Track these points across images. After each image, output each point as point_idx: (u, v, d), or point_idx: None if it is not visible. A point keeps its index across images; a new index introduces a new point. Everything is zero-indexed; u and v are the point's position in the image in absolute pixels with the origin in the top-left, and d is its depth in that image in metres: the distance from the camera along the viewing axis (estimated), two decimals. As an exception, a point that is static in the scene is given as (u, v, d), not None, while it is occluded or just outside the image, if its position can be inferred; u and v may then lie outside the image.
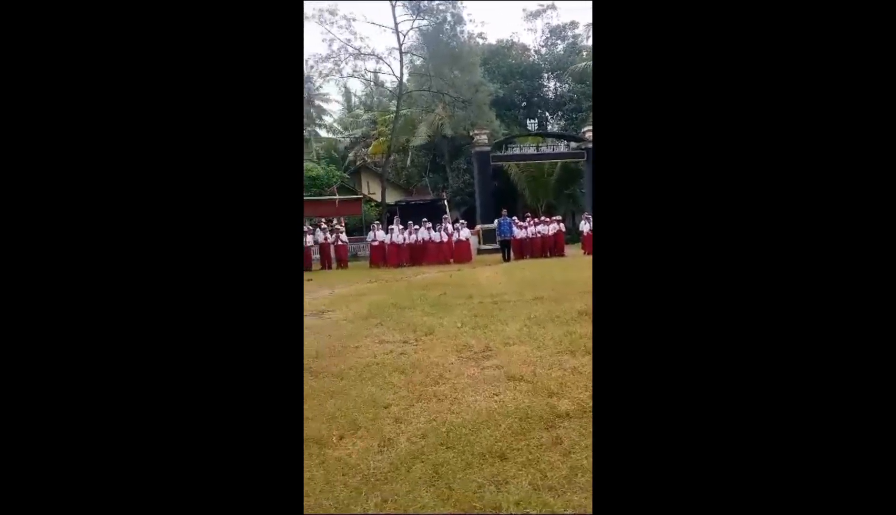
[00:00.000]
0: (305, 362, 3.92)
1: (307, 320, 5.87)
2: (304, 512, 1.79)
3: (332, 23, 20.61)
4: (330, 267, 15.01)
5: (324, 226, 15.78)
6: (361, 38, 24.10)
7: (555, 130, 27.06)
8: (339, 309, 6.58)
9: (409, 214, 18.79)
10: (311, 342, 4.63)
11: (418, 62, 22.78)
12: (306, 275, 12.98)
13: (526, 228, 15.81)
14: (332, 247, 15.31)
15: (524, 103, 28.14)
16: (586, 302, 5.45)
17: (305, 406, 2.96)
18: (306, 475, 2.15)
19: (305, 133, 31.71)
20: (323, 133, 33.37)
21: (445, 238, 15.27)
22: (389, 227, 16.00)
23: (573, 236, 19.65)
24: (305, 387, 3.32)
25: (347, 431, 2.59)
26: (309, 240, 15.16)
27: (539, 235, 15.81)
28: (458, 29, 21.39)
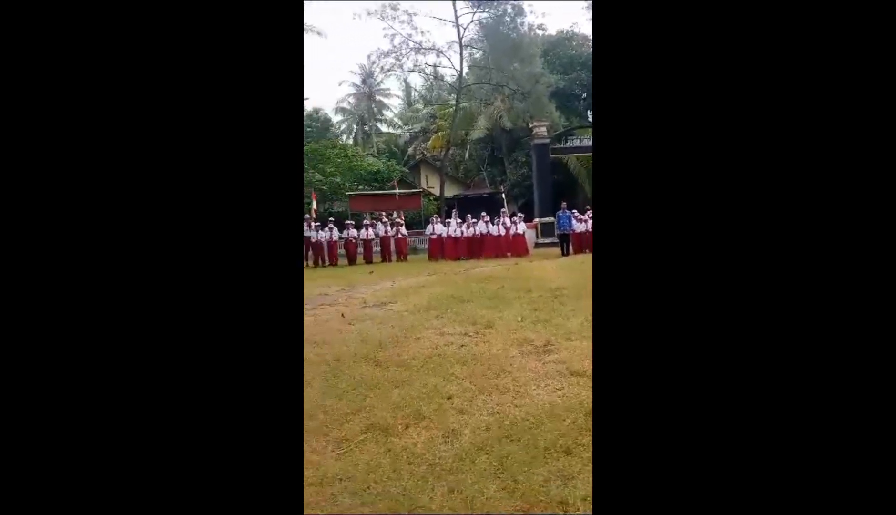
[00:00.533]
0: (371, 352, 4.02)
1: (371, 311, 6.01)
2: (307, 512, 1.79)
3: (394, 18, 20.89)
4: (390, 260, 15.28)
5: (384, 220, 16.06)
6: (422, 32, 24.21)
7: (617, 121, 26.29)
8: (400, 301, 6.69)
9: (468, 207, 18.82)
10: (375, 332, 4.74)
11: (478, 55, 22.73)
12: (368, 268, 13.28)
13: (586, 221, 15.51)
14: (392, 240, 15.58)
15: (584, 95, 27.53)
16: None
17: (371, 394, 3.04)
18: (373, 462, 2.22)
19: (366, 128, 32.34)
20: (383, 128, 33.95)
21: (503, 232, 15.22)
22: (447, 220, 16.10)
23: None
24: (371, 376, 3.41)
25: (412, 420, 2.64)
26: (370, 233, 15.50)
27: (600, 229, 15.42)
28: (519, 21, 21.22)
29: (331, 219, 16.01)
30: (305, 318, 5.85)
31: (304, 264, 14.74)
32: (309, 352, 4.12)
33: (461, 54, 21.03)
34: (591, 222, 15.47)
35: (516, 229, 15.43)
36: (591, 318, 4.82)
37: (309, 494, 1.97)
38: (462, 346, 4.10)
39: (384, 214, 16.87)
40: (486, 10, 20.59)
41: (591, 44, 28.31)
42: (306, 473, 2.13)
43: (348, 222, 15.80)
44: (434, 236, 15.41)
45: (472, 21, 20.79)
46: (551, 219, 16.82)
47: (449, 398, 2.92)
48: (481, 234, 15.17)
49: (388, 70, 23.53)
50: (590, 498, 1.83)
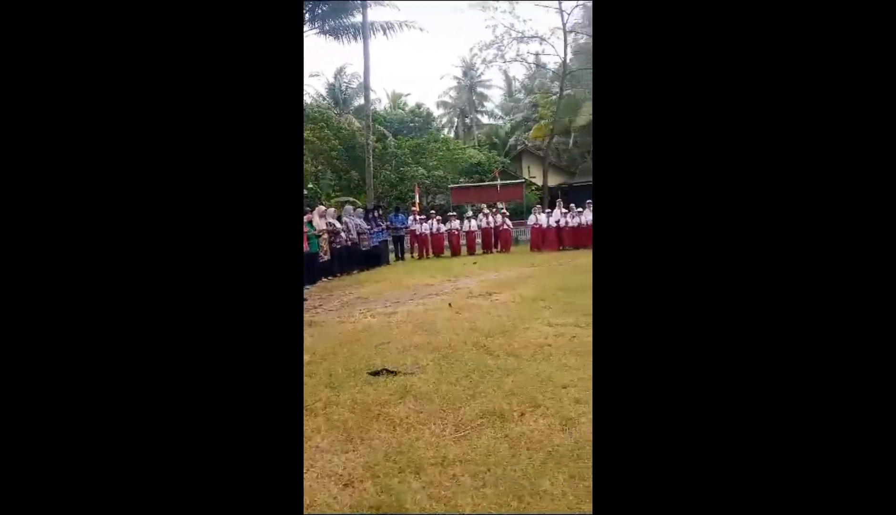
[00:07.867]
0: (480, 340, 4.08)
1: (477, 301, 6.08)
2: (306, 512, 1.80)
3: (496, 8, 20.80)
4: (492, 251, 15.33)
5: (486, 211, 16.11)
6: (524, 20, 23.95)
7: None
8: (505, 292, 6.70)
9: (574, 196, 18.40)
10: (483, 322, 4.79)
11: (582, 40, 22.06)
12: (471, 259, 13.39)
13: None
14: (493, 231, 15.59)
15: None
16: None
17: (484, 382, 3.07)
18: (491, 446, 2.24)
19: (468, 120, 32.52)
20: (484, 120, 34.04)
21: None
22: (548, 210, 15.85)
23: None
24: (483, 363, 3.45)
25: (527, 408, 2.64)
26: (473, 224, 15.64)
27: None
28: (626, 0, 20.24)
29: (432, 211, 16.33)
30: (415, 307, 6.04)
31: (410, 255, 15.19)
32: (421, 339, 4.25)
33: (565, 40, 20.53)
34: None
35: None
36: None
37: (431, 474, 2.04)
38: (573, 337, 4.03)
39: (485, 205, 16.93)
40: (591, -8, 19.89)
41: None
42: (427, 453, 2.20)
43: (451, 214, 16.03)
44: (536, 226, 15.24)
45: (577, 5, 20.23)
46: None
47: (564, 388, 2.89)
48: (586, 224, 14.77)
49: (490, 61, 23.52)
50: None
